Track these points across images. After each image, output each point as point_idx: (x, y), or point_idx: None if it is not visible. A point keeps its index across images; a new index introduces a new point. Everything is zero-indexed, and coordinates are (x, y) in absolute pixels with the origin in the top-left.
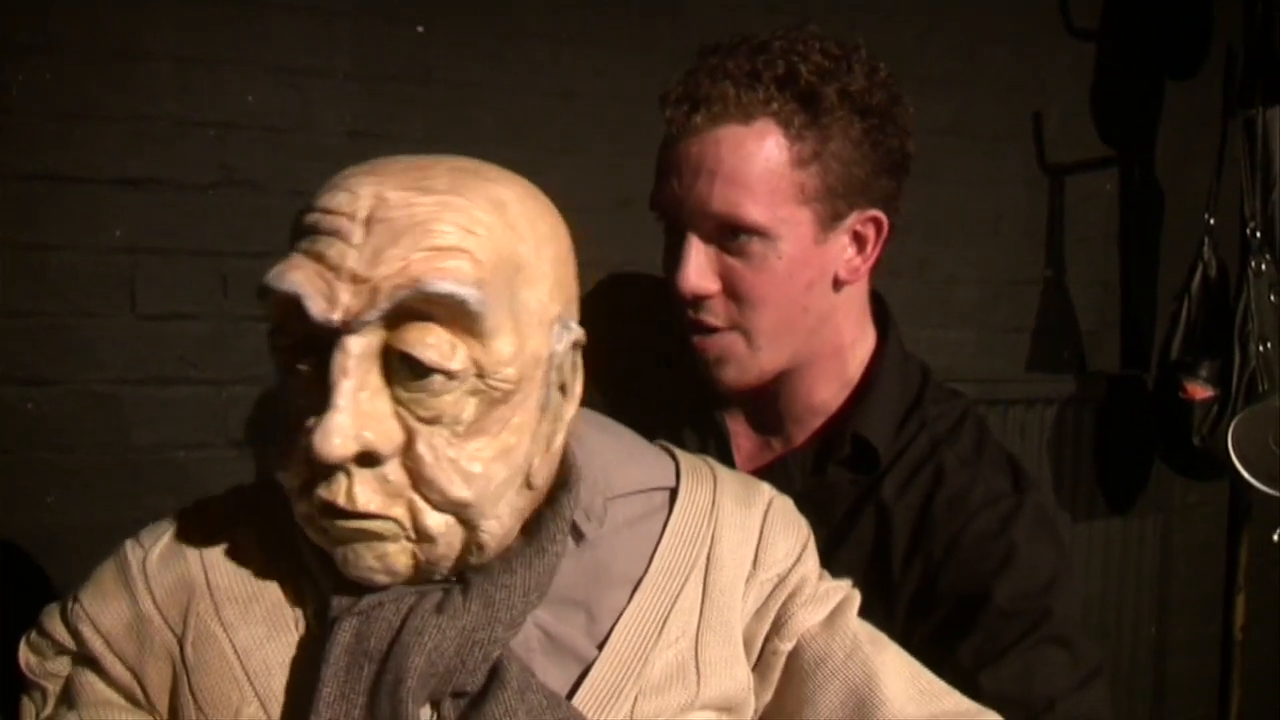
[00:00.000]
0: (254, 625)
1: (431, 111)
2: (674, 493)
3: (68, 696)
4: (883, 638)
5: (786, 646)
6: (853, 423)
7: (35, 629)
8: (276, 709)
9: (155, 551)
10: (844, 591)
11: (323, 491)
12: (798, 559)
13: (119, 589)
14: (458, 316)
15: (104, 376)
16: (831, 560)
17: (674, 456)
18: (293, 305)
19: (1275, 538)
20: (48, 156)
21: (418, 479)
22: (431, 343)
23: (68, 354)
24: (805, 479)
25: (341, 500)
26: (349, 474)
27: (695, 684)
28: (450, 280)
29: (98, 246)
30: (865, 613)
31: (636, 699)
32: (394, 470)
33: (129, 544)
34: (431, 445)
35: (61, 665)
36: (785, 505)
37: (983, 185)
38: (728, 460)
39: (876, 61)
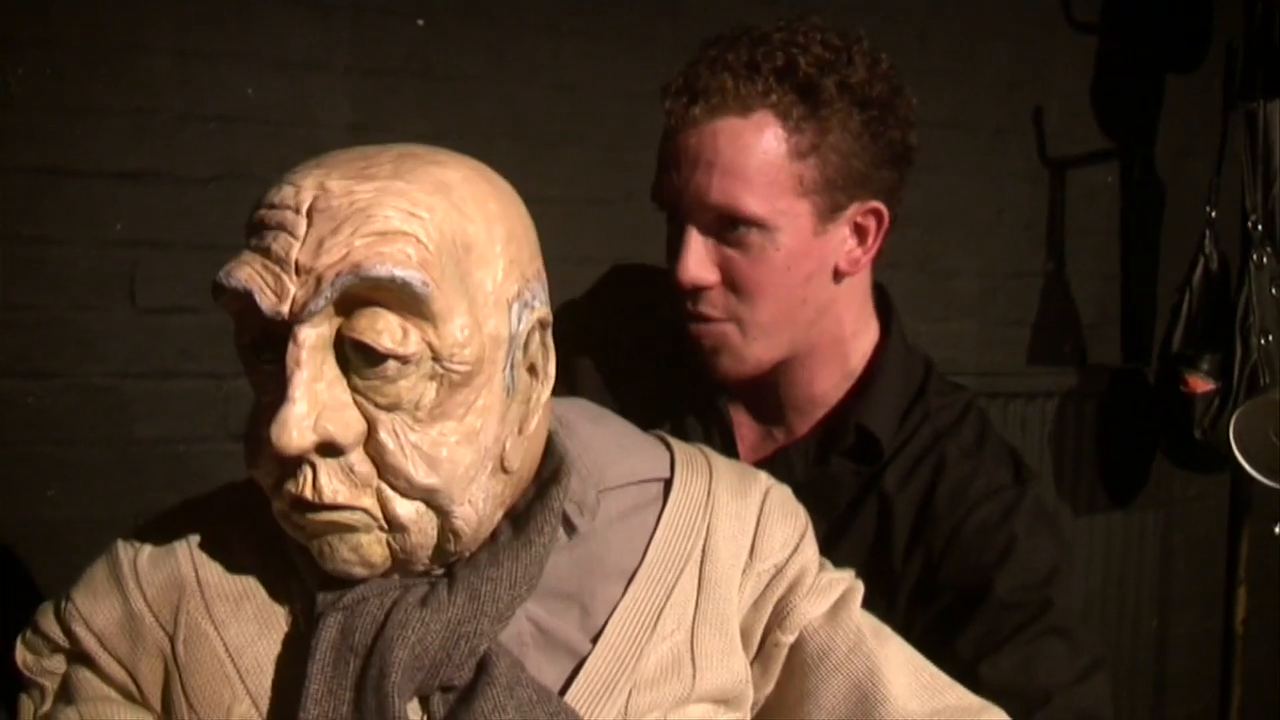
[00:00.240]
0: (245, 623)
1: (431, 105)
2: (668, 484)
3: (65, 693)
4: (886, 630)
5: (789, 639)
6: (856, 413)
7: (30, 628)
8: (267, 706)
9: (146, 550)
10: (847, 583)
11: (290, 486)
12: (795, 549)
13: (111, 588)
14: (405, 300)
15: (104, 370)
16: (833, 551)
17: (669, 447)
18: (245, 302)
19: (1277, 531)
20: (48, 150)
21: (383, 467)
22: (381, 328)
23: (68, 347)
24: (808, 469)
25: (308, 493)
26: (314, 466)
27: (691, 677)
28: (391, 264)
29: (98, 240)
30: (866, 603)
31: (631, 693)
32: (359, 460)
33: (120, 543)
34: (394, 432)
35: (57, 663)
36: (783, 494)
37: (984, 179)
38: (731, 450)
39: (878, 53)
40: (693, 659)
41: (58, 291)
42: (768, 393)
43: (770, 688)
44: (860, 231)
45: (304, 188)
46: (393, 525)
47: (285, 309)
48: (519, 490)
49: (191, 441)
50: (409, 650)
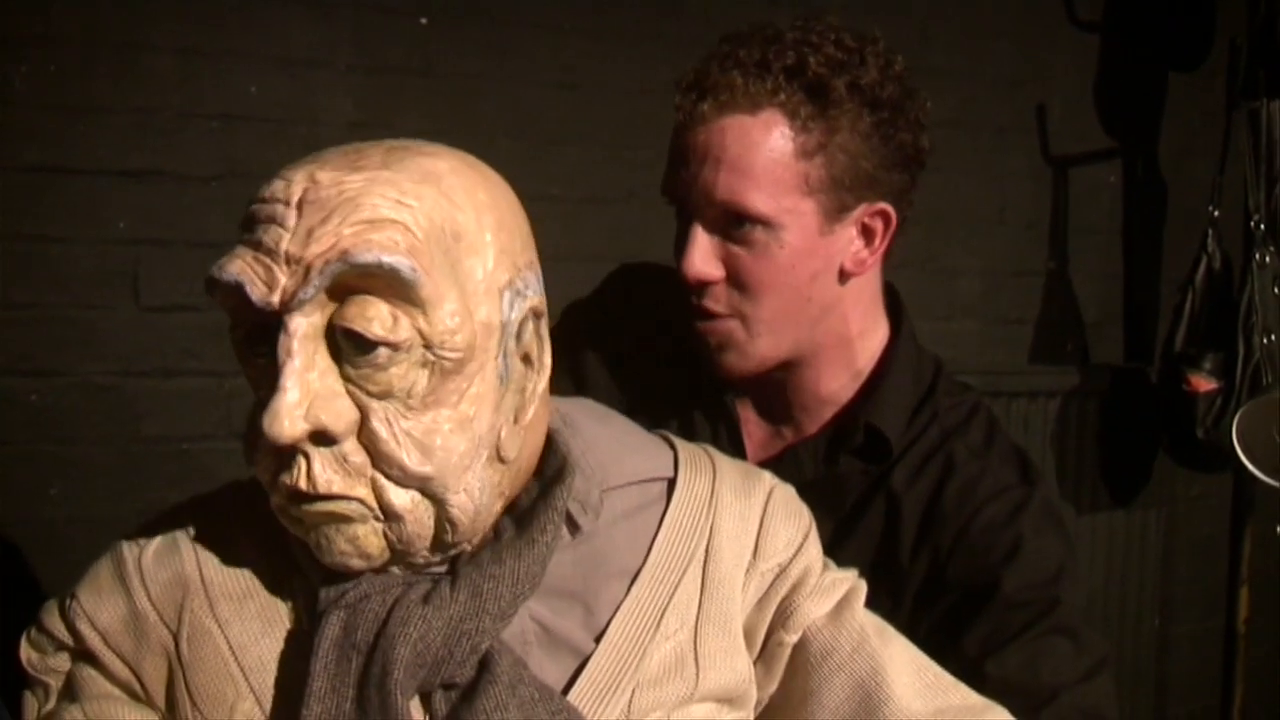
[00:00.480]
0: (248, 621)
1: (433, 103)
2: (672, 483)
3: (70, 691)
4: (890, 630)
5: (792, 638)
6: (865, 413)
7: (35, 626)
8: (271, 704)
9: (150, 549)
10: (850, 582)
11: (285, 477)
12: (799, 548)
13: (115, 586)
14: (395, 287)
15: (107, 368)
16: (840, 549)
17: (673, 446)
18: (238, 295)
19: (1279, 530)
20: (50, 149)
21: (377, 456)
22: (372, 316)
23: (70, 346)
24: (816, 468)
25: (303, 484)
26: (308, 456)
27: (694, 676)
28: (378, 250)
29: (100, 238)
30: (873, 602)
31: (634, 692)
32: (353, 450)
33: (124, 541)
34: (386, 420)
35: (62, 661)
36: (786, 494)
37: (986, 177)
38: (739, 448)
39: (893, 55)
40: (696, 658)
41: (60, 290)
42: (775, 391)
43: (773, 687)
44: (867, 233)
45: (294, 181)
46: (388, 514)
47: (276, 299)
48: (519, 483)
49: (194, 440)
50: (411, 647)
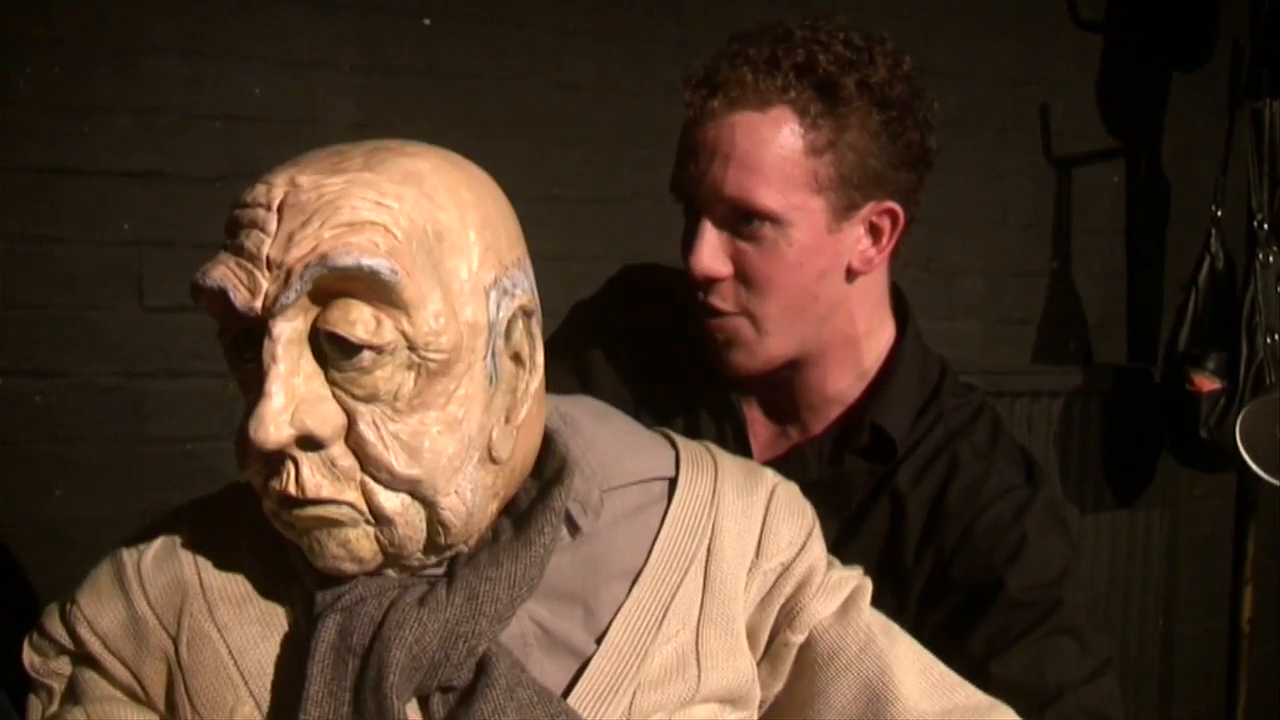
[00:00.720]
0: (248, 625)
1: (437, 103)
2: (673, 482)
3: (73, 694)
4: (895, 629)
5: (798, 638)
6: (871, 413)
7: (36, 630)
8: (270, 708)
9: (150, 553)
10: (855, 581)
11: (274, 483)
12: (803, 547)
13: (114, 590)
14: (376, 290)
15: (111, 369)
16: (845, 549)
17: (674, 445)
18: (222, 301)
19: None
20: (54, 150)
21: (365, 459)
22: (354, 319)
23: (75, 346)
24: (822, 468)
25: (292, 489)
26: (296, 461)
27: (696, 677)
28: (358, 253)
29: (105, 239)
30: (878, 601)
31: (635, 694)
32: (341, 454)
33: (124, 546)
34: (373, 423)
35: (64, 665)
36: (789, 492)
37: (989, 177)
38: (744, 447)
39: (901, 55)
40: (698, 659)
41: (64, 290)
42: (781, 390)
43: (779, 686)
44: (875, 231)
45: (275, 185)
46: (378, 518)
47: (258, 305)
48: (514, 483)
49: (198, 440)
50: (406, 651)
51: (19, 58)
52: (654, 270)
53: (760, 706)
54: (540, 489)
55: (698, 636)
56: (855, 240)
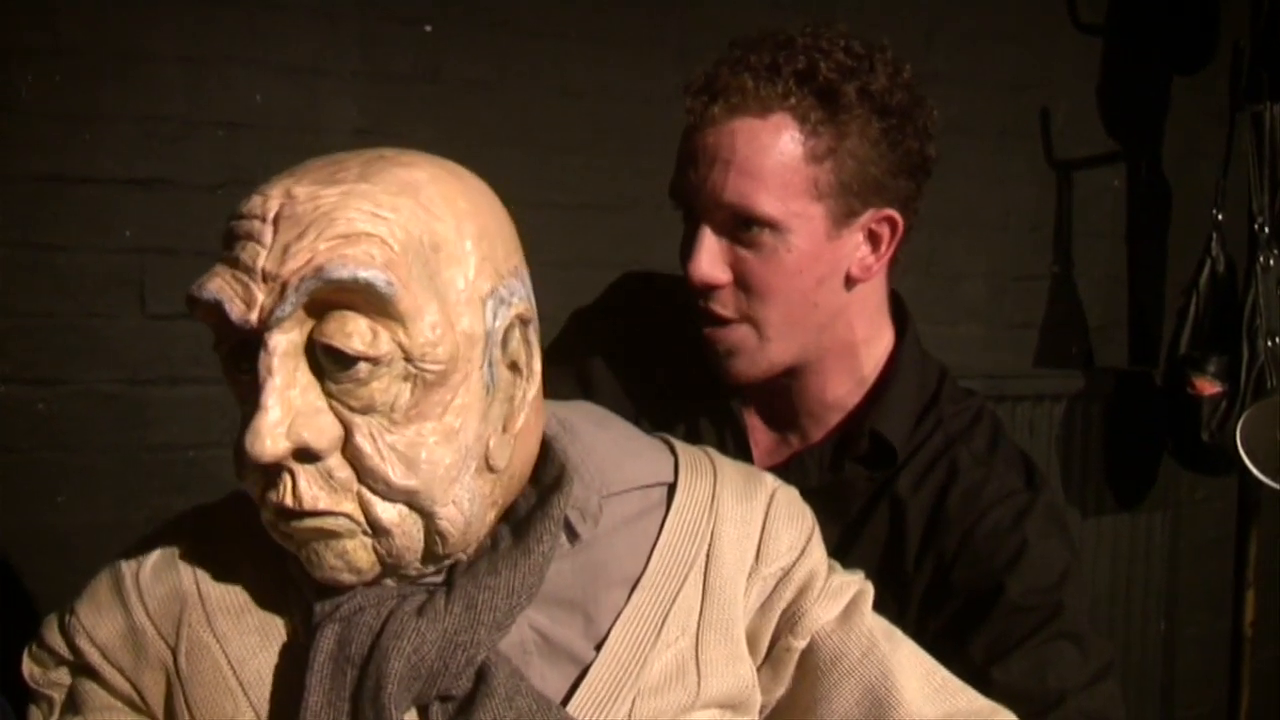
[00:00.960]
0: (246, 635)
1: (439, 111)
2: (672, 488)
3: (73, 704)
4: (898, 633)
5: (800, 644)
6: (870, 420)
7: (35, 641)
8: (269, 719)
9: (148, 563)
10: (857, 585)
11: (272, 494)
12: (803, 551)
13: (113, 601)
14: (372, 301)
15: (113, 376)
16: (846, 555)
17: (673, 450)
18: (218, 313)
19: None
20: (56, 158)
21: (362, 471)
22: (350, 331)
23: (77, 354)
24: (822, 475)
25: (289, 500)
26: (293, 473)
27: (696, 684)
28: (353, 265)
29: (106, 247)
30: (879, 608)
31: (634, 701)
32: (338, 465)
33: (122, 556)
34: (370, 435)
35: (63, 675)
36: (789, 496)
37: (990, 181)
38: (745, 454)
39: (901, 63)
40: (697, 666)
41: (66, 298)
42: (780, 397)
43: (781, 691)
44: (874, 238)
45: (271, 196)
46: (376, 529)
47: (254, 317)
48: (513, 491)
49: (201, 447)
50: (405, 660)
51: (21, 66)
52: (654, 277)
53: (761, 711)
54: (539, 496)
55: (697, 643)
56: (854, 247)
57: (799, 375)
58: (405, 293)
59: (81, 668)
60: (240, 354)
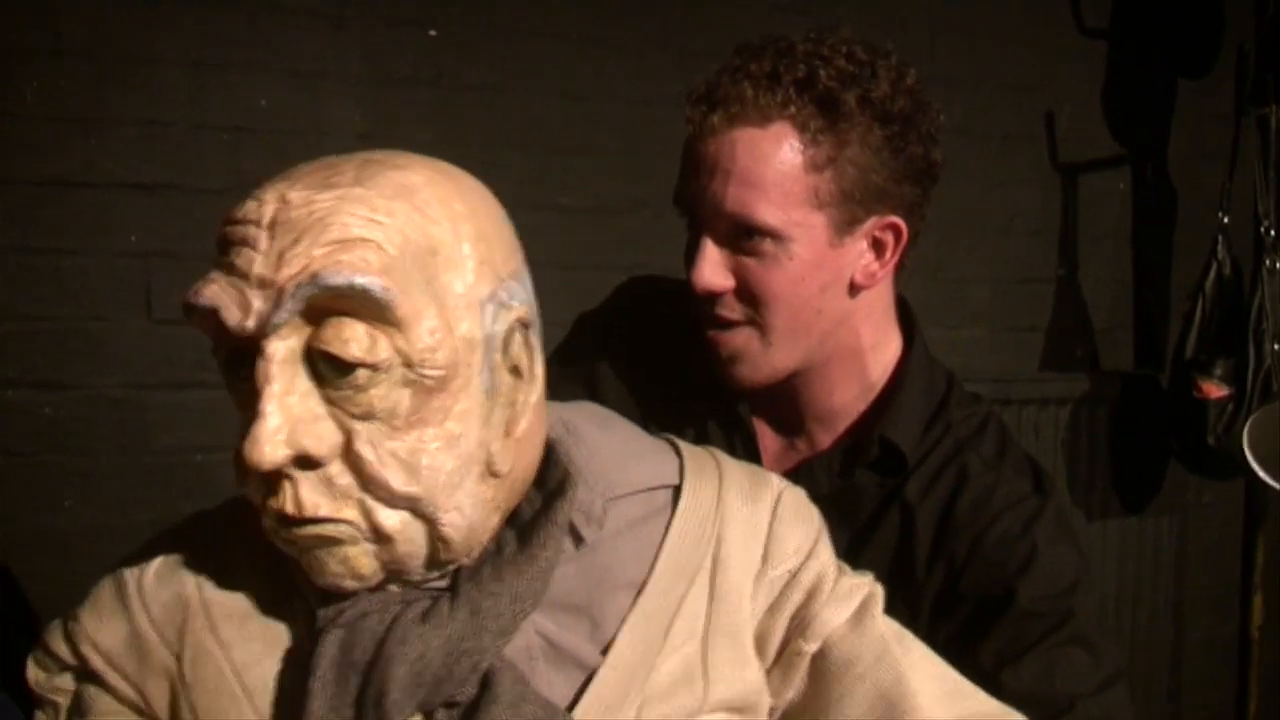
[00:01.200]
0: (250, 642)
1: (442, 114)
2: (677, 490)
3: (78, 710)
4: (909, 636)
5: (811, 647)
6: (879, 426)
7: (40, 647)
8: None
9: (151, 570)
10: (867, 588)
11: (273, 501)
12: (810, 553)
13: (116, 607)
14: (369, 308)
15: (119, 380)
16: (856, 561)
17: (678, 452)
18: (215, 319)
19: None
20: (61, 162)
21: (363, 478)
22: (348, 337)
23: (83, 358)
24: (831, 481)
25: (290, 508)
26: (293, 480)
27: (703, 688)
28: (349, 271)
29: (111, 251)
30: (890, 613)
31: (641, 706)
32: (339, 472)
33: (125, 562)
34: (371, 442)
35: (67, 681)
36: (795, 497)
37: (994, 184)
38: (754, 460)
39: (905, 68)
40: (705, 670)
41: (72, 303)
42: (787, 403)
43: (791, 695)
44: (878, 246)
45: (266, 201)
46: (378, 536)
47: (250, 324)
48: (516, 494)
49: (207, 451)
50: (409, 667)
51: (25, 70)
52: (659, 282)
53: (770, 714)
54: (543, 500)
55: (704, 647)
56: (858, 255)
57: (805, 381)
58: (403, 298)
59: (86, 674)
60: (238, 360)
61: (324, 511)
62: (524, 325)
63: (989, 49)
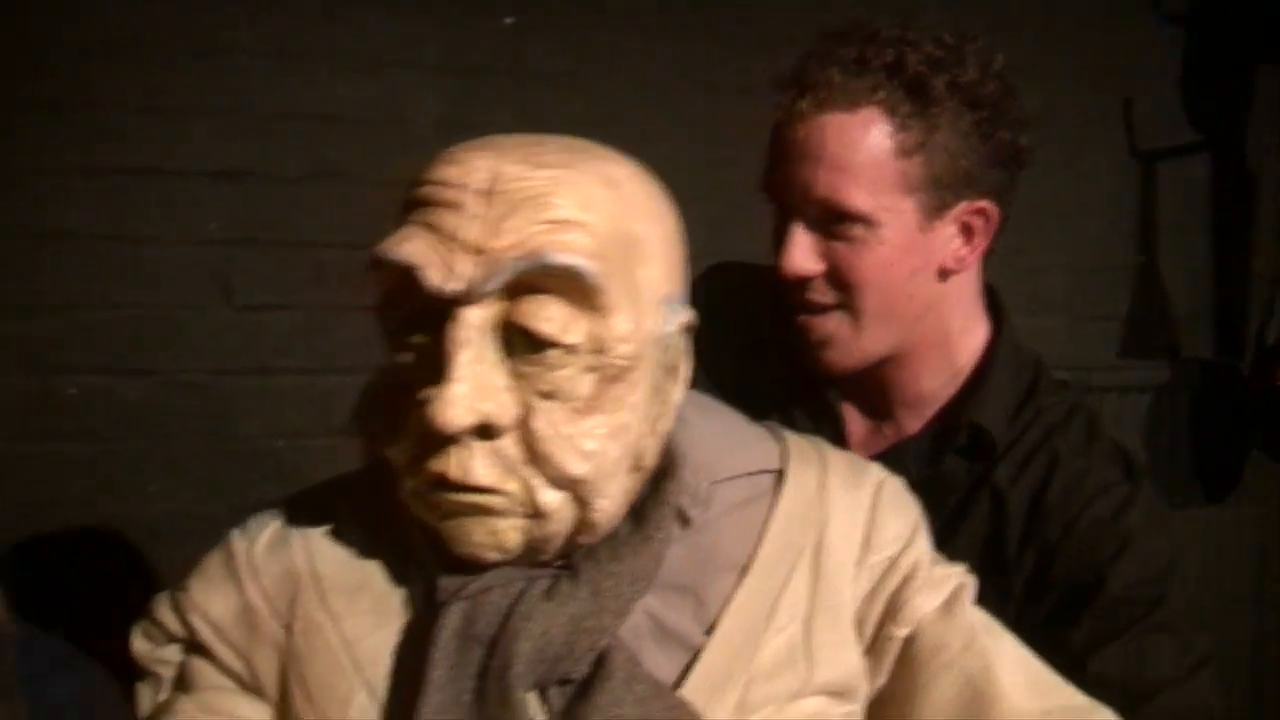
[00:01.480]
0: (361, 614)
1: (520, 102)
2: (780, 476)
3: (182, 682)
4: (999, 627)
5: (902, 633)
6: (968, 411)
7: (146, 618)
8: (385, 697)
9: (261, 542)
10: (960, 578)
11: (435, 464)
12: (909, 542)
13: (226, 579)
14: (576, 290)
15: (202, 367)
16: (946, 547)
17: (779, 438)
18: (407, 277)
19: None
20: (143, 151)
21: (534, 455)
22: (549, 316)
23: (165, 345)
24: (920, 467)
25: (456, 473)
26: (464, 447)
27: (806, 669)
28: (570, 252)
29: (193, 239)
30: (979, 599)
31: (747, 686)
32: (509, 445)
33: (235, 534)
34: (549, 421)
35: (172, 652)
36: (895, 486)
37: (1072, 172)
38: (840, 445)
39: (993, 53)
40: (808, 652)
41: (154, 290)
42: (874, 389)
43: (882, 680)
44: (967, 231)
45: (476, 168)
46: (535, 512)
47: (453, 287)
48: (641, 486)
49: (288, 437)
50: (534, 643)
51: (107, 61)
52: (741, 269)
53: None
54: (653, 483)
55: (807, 629)
56: (947, 240)
57: (893, 366)
58: (609, 285)
59: (193, 645)
60: (414, 321)
61: (490, 481)
62: (687, 329)
63: (1066, 36)
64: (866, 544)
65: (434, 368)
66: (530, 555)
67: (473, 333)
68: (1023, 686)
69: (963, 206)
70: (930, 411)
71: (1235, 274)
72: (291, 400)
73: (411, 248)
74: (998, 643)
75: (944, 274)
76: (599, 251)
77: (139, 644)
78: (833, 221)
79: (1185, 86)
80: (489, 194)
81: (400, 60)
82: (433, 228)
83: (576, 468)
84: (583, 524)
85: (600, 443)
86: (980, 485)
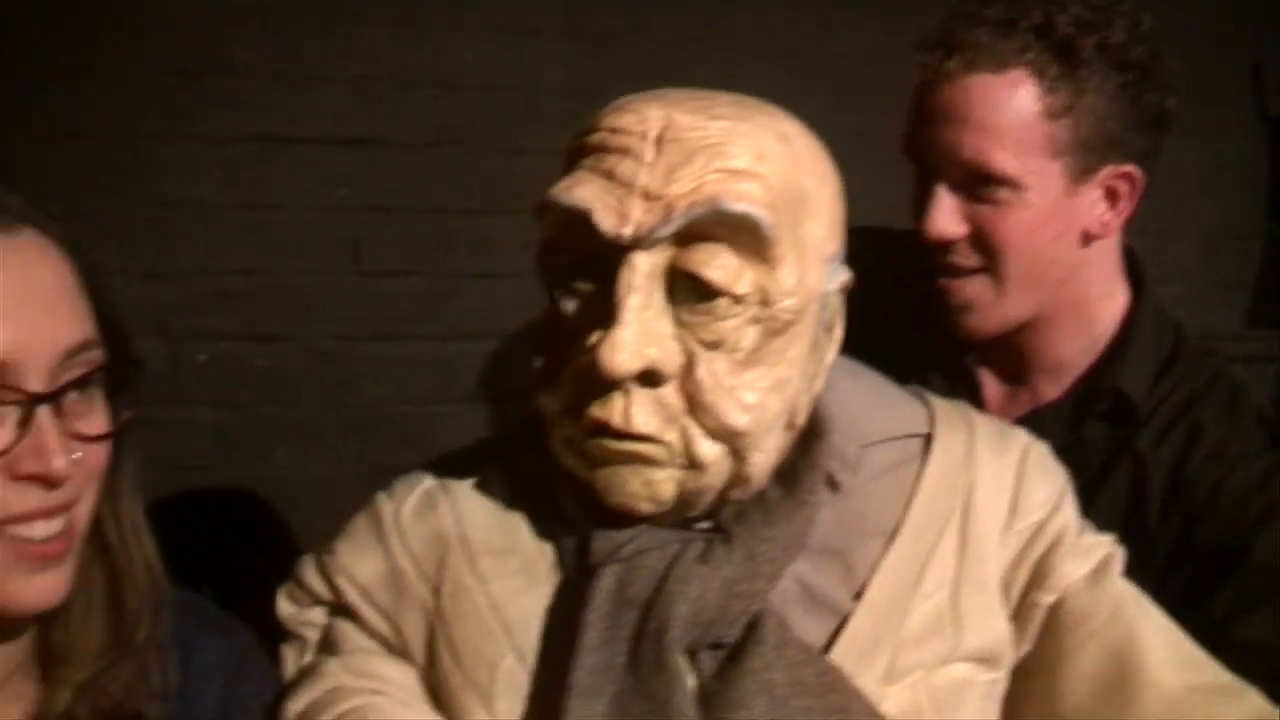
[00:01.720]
0: (510, 577)
1: (646, 68)
2: (928, 440)
3: (328, 644)
4: (1146, 600)
5: (1048, 599)
6: (1110, 377)
7: (292, 580)
8: (534, 660)
9: (408, 504)
10: (1108, 548)
11: (597, 410)
12: (1056, 507)
13: (373, 542)
14: (748, 240)
15: (329, 333)
16: (1087, 512)
17: (926, 402)
18: (576, 221)
19: None
20: (272, 118)
21: (694, 404)
22: (721, 264)
23: (294, 311)
24: (1062, 433)
25: (617, 420)
26: (627, 394)
27: (954, 635)
28: (747, 201)
29: (321, 206)
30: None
31: (895, 652)
32: (671, 394)
33: (381, 497)
34: (712, 371)
35: (318, 615)
36: (1041, 451)
37: (1200, 138)
38: (978, 409)
39: (1140, 15)
40: (955, 618)
41: (283, 256)
42: (1012, 354)
43: (1027, 647)
44: (1111, 195)
45: (650, 116)
46: (692, 463)
47: (626, 232)
48: (790, 445)
49: (414, 404)
50: (690, 606)
51: (235, 29)
52: (874, 233)
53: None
54: (802, 446)
55: (955, 595)
56: (1092, 204)
57: (1033, 331)
58: (781, 236)
59: (340, 608)
60: (581, 266)
61: (651, 430)
62: (845, 289)
63: (1194, 1)
64: (1013, 509)
65: (598, 314)
66: (681, 509)
67: (641, 279)
68: (1168, 661)
69: (1108, 170)
70: (1068, 378)
71: None
72: (418, 366)
73: (584, 192)
74: (1145, 615)
75: (1087, 239)
76: (772, 203)
77: (284, 606)
78: (977, 184)
79: None
80: (662, 141)
81: (525, 27)
82: (605, 173)
83: (737, 419)
84: (736, 478)
85: (761, 395)
86: (1122, 451)
